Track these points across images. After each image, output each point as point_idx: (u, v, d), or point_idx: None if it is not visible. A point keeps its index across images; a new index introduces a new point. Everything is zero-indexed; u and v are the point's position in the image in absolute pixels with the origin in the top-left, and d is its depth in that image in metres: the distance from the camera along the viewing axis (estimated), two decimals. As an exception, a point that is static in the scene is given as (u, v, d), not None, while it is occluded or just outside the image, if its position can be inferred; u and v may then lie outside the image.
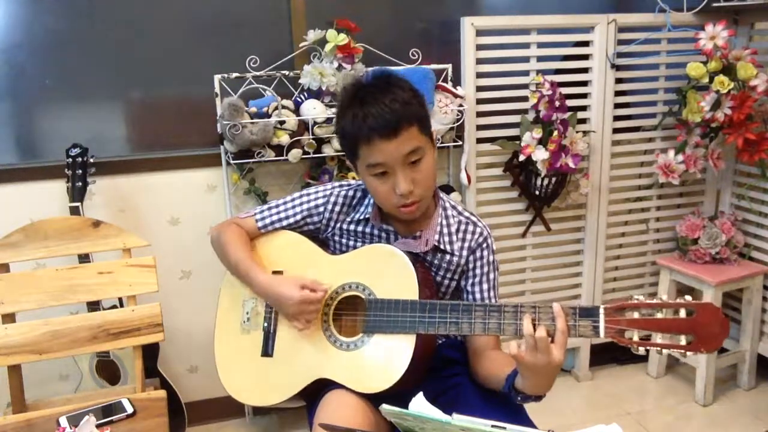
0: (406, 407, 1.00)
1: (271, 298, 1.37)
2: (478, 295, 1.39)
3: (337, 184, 1.46)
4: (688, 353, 1.10)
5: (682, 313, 1.10)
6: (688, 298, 1.11)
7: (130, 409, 1.37)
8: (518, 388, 1.17)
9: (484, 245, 1.39)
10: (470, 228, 1.40)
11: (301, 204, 1.45)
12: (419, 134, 1.25)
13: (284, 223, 1.45)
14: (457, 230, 1.39)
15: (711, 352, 1.09)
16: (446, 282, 1.40)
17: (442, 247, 1.37)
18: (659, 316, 1.11)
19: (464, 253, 1.39)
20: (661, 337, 1.11)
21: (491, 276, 1.41)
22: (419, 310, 1.25)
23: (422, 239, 1.36)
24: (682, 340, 1.10)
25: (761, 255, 2.51)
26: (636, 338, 1.11)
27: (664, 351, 1.11)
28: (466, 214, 1.42)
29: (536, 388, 1.15)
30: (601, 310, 1.13)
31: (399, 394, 1.17)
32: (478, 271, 1.39)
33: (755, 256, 2.52)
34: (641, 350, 1.11)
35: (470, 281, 1.40)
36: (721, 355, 2.49)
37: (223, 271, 1.50)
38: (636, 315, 1.12)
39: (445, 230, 1.38)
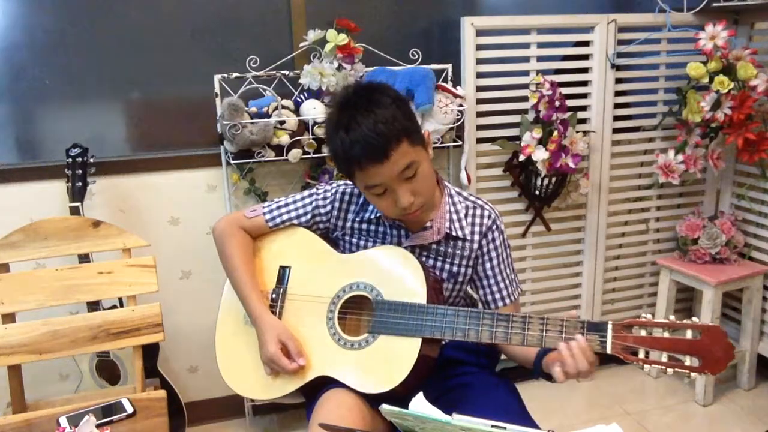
0: (406, 407, 1.00)
1: (256, 331, 1.38)
2: (498, 277, 1.41)
3: (342, 182, 1.46)
4: (693, 374, 1.12)
5: (689, 334, 1.12)
6: (695, 319, 1.13)
7: (130, 409, 1.38)
8: (558, 381, 1.21)
9: (494, 227, 1.41)
10: (478, 212, 1.41)
11: (311, 203, 1.46)
12: (409, 148, 1.24)
13: (294, 222, 1.46)
14: (466, 215, 1.40)
15: (715, 374, 1.13)
16: (462, 270, 1.41)
17: (453, 233, 1.38)
18: (666, 335, 1.13)
19: (476, 237, 1.40)
20: (666, 356, 1.13)
21: (505, 255, 1.43)
22: (426, 314, 1.26)
23: (434, 228, 1.37)
24: (687, 361, 1.12)
25: (761, 255, 2.51)
26: (642, 355, 1.13)
27: (669, 370, 1.13)
28: (472, 198, 1.43)
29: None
30: (609, 326, 1.16)
31: (400, 395, 1.18)
32: (494, 254, 1.41)
33: (755, 256, 2.52)
34: (646, 368, 1.14)
35: (488, 265, 1.41)
36: (721, 355, 2.49)
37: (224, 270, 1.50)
38: (643, 333, 1.14)
39: (455, 216, 1.39)
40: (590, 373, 1.16)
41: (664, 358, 1.13)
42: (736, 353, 2.52)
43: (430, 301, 1.27)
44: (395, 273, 1.32)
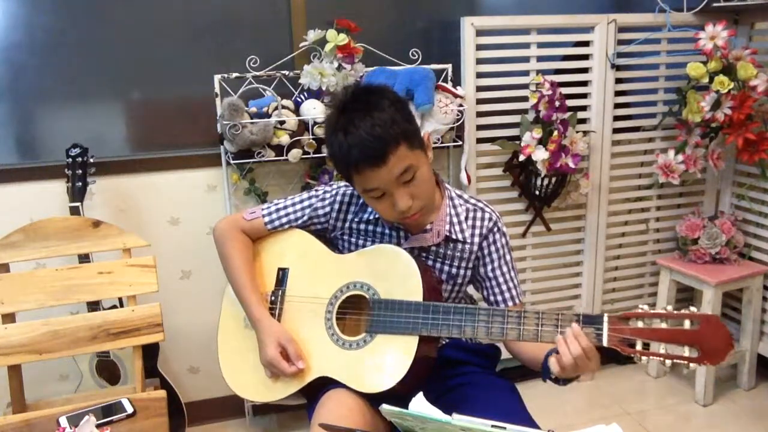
0: (407, 407, 1.00)
1: (256, 334, 1.39)
2: (501, 279, 1.41)
3: (342, 183, 1.46)
4: (692, 365, 1.10)
5: (687, 324, 1.10)
6: (693, 309, 1.11)
7: (130, 409, 1.38)
8: (554, 373, 1.19)
9: (495, 229, 1.41)
10: (479, 214, 1.41)
11: (309, 205, 1.46)
12: (408, 151, 1.24)
13: (293, 224, 1.47)
14: (466, 217, 1.40)
15: (715, 365, 1.11)
16: (462, 272, 1.41)
17: (453, 236, 1.38)
18: (663, 326, 1.11)
19: (476, 240, 1.40)
20: (664, 348, 1.11)
21: (508, 258, 1.43)
22: (423, 312, 1.26)
23: (433, 231, 1.37)
24: (686, 352, 1.10)
25: (761, 255, 2.51)
26: (639, 347, 1.11)
27: (668, 362, 1.11)
28: (473, 201, 1.43)
29: (573, 377, 1.18)
30: (605, 318, 1.15)
31: (399, 395, 1.18)
32: (495, 255, 1.41)
33: (755, 256, 2.52)
34: (644, 360, 1.11)
35: (489, 267, 1.41)
36: (721, 355, 2.49)
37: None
38: (640, 324, 1.12)
39: (455, 219, 1.39)
40: (589, 361, 1.12)
41: (662, 349, 1.11)
42: (736, 353, 2.52)
43: (426, 299, 1.27)
44: (392, 272, 1.32)
